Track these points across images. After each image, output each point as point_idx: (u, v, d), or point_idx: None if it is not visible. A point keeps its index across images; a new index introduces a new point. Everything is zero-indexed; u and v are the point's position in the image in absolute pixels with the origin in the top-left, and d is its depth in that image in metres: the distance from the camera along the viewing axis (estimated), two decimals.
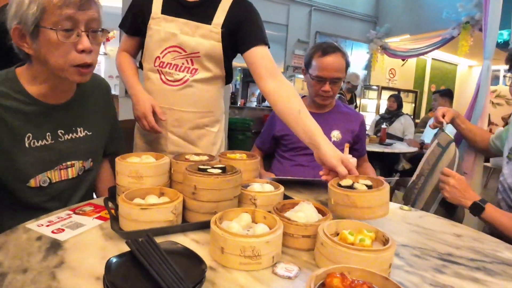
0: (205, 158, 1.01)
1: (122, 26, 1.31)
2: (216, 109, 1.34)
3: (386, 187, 0.80)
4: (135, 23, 1.27)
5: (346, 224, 0.73)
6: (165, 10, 1.21)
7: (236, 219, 0.72)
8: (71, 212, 0.87)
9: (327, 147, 0.97)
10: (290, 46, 6.86)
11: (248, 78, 8.08)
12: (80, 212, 0.88)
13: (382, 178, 0.85)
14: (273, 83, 1.15)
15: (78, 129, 1.04)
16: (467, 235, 0.93)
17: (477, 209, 1.12)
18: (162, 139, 1.29)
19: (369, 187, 0.85)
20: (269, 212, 0.75)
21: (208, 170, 0.84)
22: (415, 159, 3.82)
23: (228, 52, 1.26)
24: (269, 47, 1.25)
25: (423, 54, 6.58)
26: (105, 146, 1.17)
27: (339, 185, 0.83)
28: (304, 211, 0.77)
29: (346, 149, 1.04)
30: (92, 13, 0.87)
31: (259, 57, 1.20)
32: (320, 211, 0.81)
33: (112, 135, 1.19)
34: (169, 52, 1.22)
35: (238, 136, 5.10)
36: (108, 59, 6.60)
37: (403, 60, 7.68)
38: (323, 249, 0.63)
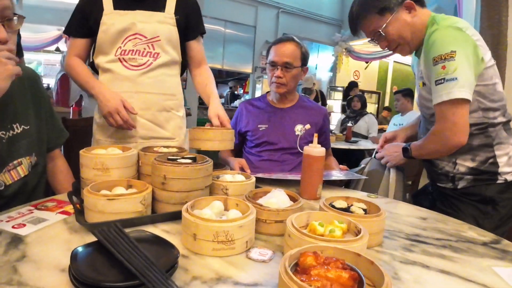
0: (174, 150, 0.99)
1: (68, 31, 1.29)
2: (178, 94, 1.38)
3: (383, 213, 0.76)
4: (85, 24, 1.26)
5: (317, 215, 0.71)
6: (117, 6, 1.24)
7: (208, 207, 0.71)
8: (32, 208, 0.82)
9: (212, 104, 1.26)
10: (258, 47, 6.91)
11: (216, 79, 8.06)
12: (42, 207, 0.83)
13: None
14: (199, 69, 1.43)
15: (14, 126, 0.97)
16: (432, 217, 0.98)
17: (406, 152, 1.25)
18: None
19: (365, 210, 0.80)
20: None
21: (178, 160, 0.82)
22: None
23: (181, 38, 1.33)
24: (202, 36, 1.44)
25: (385, 57, 6.87)
26: (47, 139, 1.10)
27: (333, 207, 0.79)
28: (276, 197, 0.77)
29: (315, 139, 1.06)
30: (4, 1, 0.81)
31: (197, 49, 1.41)
32: (291, 198, 0.81)
33: (51, 125, 1.12)
34: (129, 40, 1.25)
35: None
36: None
37: (366, 62, 7.98)
38: (291, 240, 0.61)
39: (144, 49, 1.26)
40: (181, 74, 1.42)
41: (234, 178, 0.92)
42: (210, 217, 0.63)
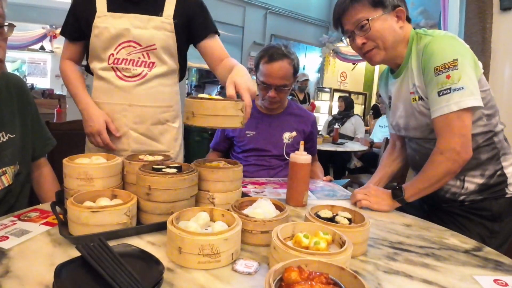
0: (159, 158, 0.98)
1: (63, 32, 1.24)
2: (175, 104, 1.32)
3: (367, 223, 0.76)
4: (77, 27, 1.20)
5: (302, 226, 0.71)
6: (111, 8, 1.17)
7: (194, 218, 0.71)
8: (15, 219, 0.80)
9: (233, 72, 1.02)
10: (246, 47, 6.91)
11: (205, 79, 8.00)
12: (26, 218, 0.81)
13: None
14: (221, 64, 1.25)
15: (0, 134, 0.96)
16: (416, 224, 0.99)
17: (398, 194, 1.08)
18: (124, 138, 1.24)
19: (350, 220, 0.80)
20: (228, 210, 0.75)
21: (163, 170, 0.81)
22: (365, 157, 4.02)
23: (181, 44, 1.25)
24: (219, 35, 1.31)
25: None
26: (33, 147, 1.08)
27: (318, 216, 0.78)
28: (262, 207, 0.77)
29: (301, 146, 1.07)
30: None
31: (212, 48, 1.27)
32: (278, 207, 0.82)
33: (38, 133, 1.10)
34: (123, 48, 1.18)
35: (194, 138, 5.03)
36: (54, 57, 6.21)
37: (353, 64, 8.07)
38: (276, 253, 0.61)
39: (139, 58, 1.19)
40: (180, 79, 1.36)
41: None
42: (195, 230, 0.63)
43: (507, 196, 1.10)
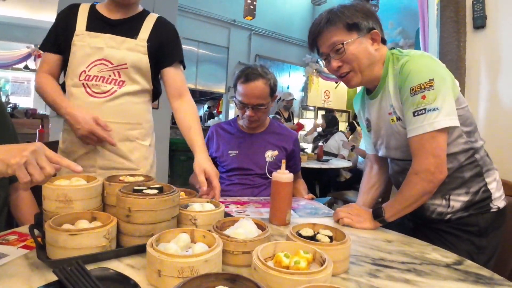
0: (140, 178, 0.98)
1: (43, 46, 1.26)
2: (144, 122, 1.32)
3: (348, 240, 0.76)
4: (59, 41, 1.24)
5: (283, 245, 0.71)
6: (90, 27, 1.22)
7: (174, 240, 0.70)
8: None
9: (198, 157, 1.16)
10: (231, 67, 7.01)
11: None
12: (3, 241, 0.79)
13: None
14: (179, 102, 1.32)
15: None
16: (397, 240, 1.01)
17: (379, 214, 1.09)
18: (91, 154, 1.23)
19: (331, 238, 0.80)
20: (209, 231, 0.74)
21: (144, 191, 0.81)
22: (354, 169, 4.06)
23: (155, 66, 1.29)
24: (184, 68, 1.38)
25: None
26: None
27: (300, 235, 0.78)
28: (244, 227, 0.77)
29: (283, 165, 1.08)
30: None
31: (173, 77, 1.32)
32: (260, 226, 0.82)
33: None
34: (95, 65, 1.21)
35: (180, 157, 4.99)
36: None
37: (336, 82, 8.26)
38: (256, 273, 0.61)
39: (110, 76, 1.22)
40: (154, 100, 1.38)
41: (203, 207, 0.92)
42: (175, 252, 0.62)
43: (492, 210, 1.11)
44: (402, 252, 0.89)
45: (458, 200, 1.12)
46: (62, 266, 0.56)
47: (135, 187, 0.83)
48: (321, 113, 7.57)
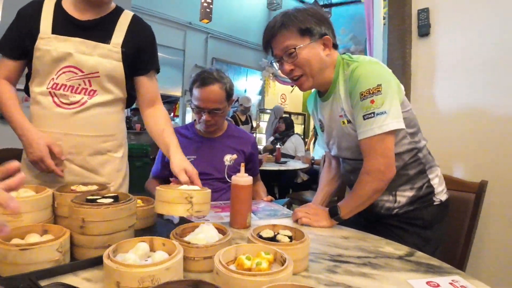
0: (94, 187, 0.93)
1: (1, 48, 1.13)
2: (118, 132, 1.25)
3: (307, 239, 0.78)
4: (21, 44, 1.11)
5: (244, 248, 0.72)
6: (56, 30, 1.10)
7: (132, 250, 0.68)
8: None
9: (176, 158, 1.11)
10: (188, 70, 6.91)
11: None
12: None
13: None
14: (151, 109, 1.28)
15: None
16: (353, 236, 1.05)
17: (335, 212, 1.14)
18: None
19: (290, 238, 0.82)
20: (169, 238, 0.73)
21: (98, 201, 0.77)
22: (311, 171, 4.19)
23: (130, 73, 1.21)
24: (158, 72, 1.30)
25: None
26: None
27: (260, 237, 0.80)
28: (205, 232, 0.77)
29: (242, 168, 1.09)
30: None
31: (148, 86, 1.26)
32: (220, 231, 0.82)
33: None
34: (63, 72, 1.11)
35: (135, 163, 4.82)
36: None
37: (292, 86, 8.45)
38: (219, 278, 0.61)
39: (79, 85, 1.12)
40: (128, 107, 1.30)
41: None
42: (134, 262, 0.61)
43: (435, 204, 1.20)
44: (358, 248, 0.94)
45: (404, 195, 1.20)
46: (14, 283, 0.52)
47: (89, 197, 0.79)
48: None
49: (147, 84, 1.25)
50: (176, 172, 1.05)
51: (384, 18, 2.40)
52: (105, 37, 1.14)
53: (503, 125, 1.82)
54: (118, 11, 1.22)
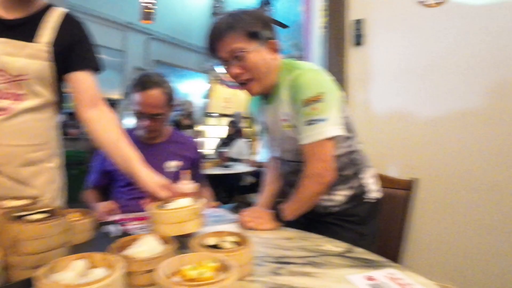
0: (25, 202, 0.87)
1: None
2: (51, 140, 1.16)
3: (250, 243, 0.79)
4: None
5: (188, 258, 0.71)
6: None
7: (69, 268, 0.64)
8: None
9: (145, 173, 1.03)
10: (128, 72, 6.62)
11: None
12: None
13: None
14: (94, 111, 1.13)
15: None
16: (296, 236, 1.10)
17: (278, 215, 1.19)
18: None
19: (237, 243, 0.83)
20: (109, 253, 0.70)
21: (29, 217, 0.72)
22: (257, 173, 4.25)
23: (61, 73, 1.13)
24: (99, 73, 1.20)
25: None
26: None
27: (204, 245, 0.80)
28: (147, 244, 0.75)
29: (186, 176, 1.08)
30: None
31: (83, 82, 1.14)
32: (164, 241, 0.80)
33: None
34: None
35: (71, 171, 4.49)
36: None
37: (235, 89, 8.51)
38: None
39: (6, 89, 1.03)
40: (61, 112, 1.21)
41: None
42: (71, 281, 0.58)
43: (370, 201, 1.30)
44: (301, 248, 0.97)
45: (341, 194, 1.27)
46: None
47: (20, 213, 0.74)
48: (223, 119, 7.71)
49: (84, 81, 1.15)
50: (156, 191, 0.99)
51: (323, 27, 2.53)
52: (33, 36, 1.06)
53: (430, 126, 2.04)
54: (48, 9, 1.13)
